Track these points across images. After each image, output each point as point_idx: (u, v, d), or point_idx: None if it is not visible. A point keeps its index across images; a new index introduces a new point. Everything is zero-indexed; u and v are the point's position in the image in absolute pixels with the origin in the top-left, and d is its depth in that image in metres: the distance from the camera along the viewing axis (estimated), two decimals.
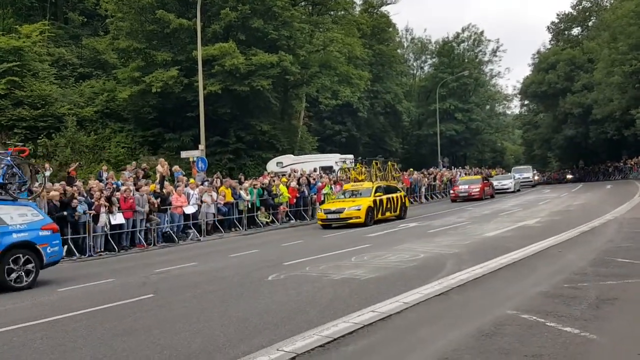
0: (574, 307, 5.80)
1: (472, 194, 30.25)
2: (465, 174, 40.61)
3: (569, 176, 56.06)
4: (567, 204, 22.59)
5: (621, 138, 46.32)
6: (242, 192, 19.44)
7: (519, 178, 40.14)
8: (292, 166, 27.61)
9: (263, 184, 20.76)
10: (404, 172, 34.06)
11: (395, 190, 21.27)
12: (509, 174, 43.37)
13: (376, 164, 25.37)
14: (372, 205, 18.67)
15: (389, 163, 27.74)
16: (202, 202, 17.68)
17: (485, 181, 33.01)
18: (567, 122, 56.25)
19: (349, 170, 30.28)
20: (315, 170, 26.99)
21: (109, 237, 14.71)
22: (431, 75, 61.82)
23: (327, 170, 29.07)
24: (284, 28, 31.21)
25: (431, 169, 39.80)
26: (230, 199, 18.81)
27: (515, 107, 78.17)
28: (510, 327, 5.16)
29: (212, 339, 5.33)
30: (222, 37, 30.70)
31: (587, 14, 62.53)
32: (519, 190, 36.90)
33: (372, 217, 18.49)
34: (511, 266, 8.77)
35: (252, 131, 32.31)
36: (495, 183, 35.61)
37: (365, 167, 24.73)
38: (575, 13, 63.43)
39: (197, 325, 5.93)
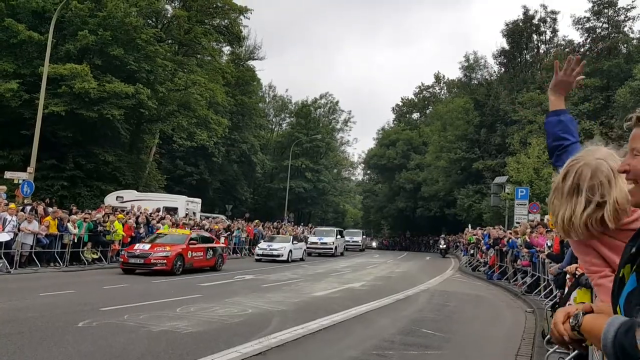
0: None
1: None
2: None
3: (374, 244, 62.44)
4: (391, 270, 24.49)
5: (442, 216, 52.19)
6: (70, 225, 17.86)
7: (348, 240, 42.45)
8: (134, 203, 26.18)
9: (95, 218, 19.32)
10: (250, 223, 34.23)
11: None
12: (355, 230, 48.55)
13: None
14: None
15: None
16: (19, 230, 15.85)
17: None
18: (400, 195, 62.21)
19: (195, 215, 29.68)
20: (158, 210, 25.91)
21: None
22: (288, 133, 64.27)
23: (172, 211, 28.09)
24: (145, 61, 30.38)
25: (276, 223, 40.54)
26: (54, 230, 17.14)
27: (358, 174, 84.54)
28: None
29: None
30: (75, 58, 28.89)
31: (426, 102, 71.27)
32: (342, 254, 37.38)
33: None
34: (331, 328, 9.17)
35: (94, 160, 30.28)
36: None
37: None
38: (416, 100, 71.91)
39: None
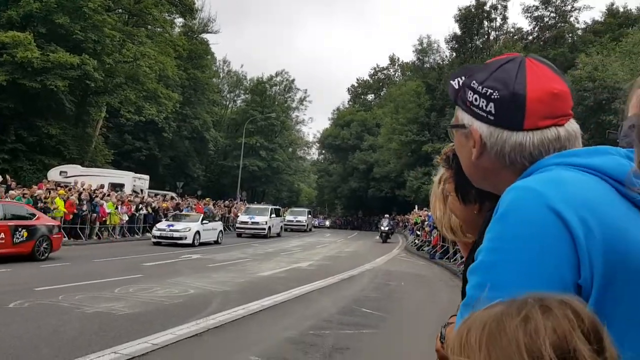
0: (310, 355, 6.37)
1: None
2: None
3: (327, 223, 62.36)
4: (340, 250, 24.89)
5: (393, 196, 53.24)
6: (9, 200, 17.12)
7: (292, 220, 40.67)
8: (78, 178, 25.33)
9: (36, 194, 18.62)
10: (200, 201, 33.86)
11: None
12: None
13: None
14: None
15: None
16: None
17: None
18: (353, 175, 62.96)
19: (142, 192, 29.06)
20: (102, 186, 25.19)
21: None
22: (242, 110, 63.44)
23: (118, 187, 27.38)
24: (92, 31, 29.11)
25: (227, 201, 40.28)
26: None
27: (313, 154, 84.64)
28: None
29: None
30: (18, 25, 27.40)
31: (380, 84, 71.85)
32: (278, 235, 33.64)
33: None
34: (272, 308, 9.28)
35: (36, 132, 29.03)
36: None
37: None
38: (371, 81, 72.34)
39: None
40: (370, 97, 74.60)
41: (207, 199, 36.27)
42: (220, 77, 66.07)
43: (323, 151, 75.26)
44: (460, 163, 1.14)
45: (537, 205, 0.85)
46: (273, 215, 32.97)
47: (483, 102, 1.00)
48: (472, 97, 1.02)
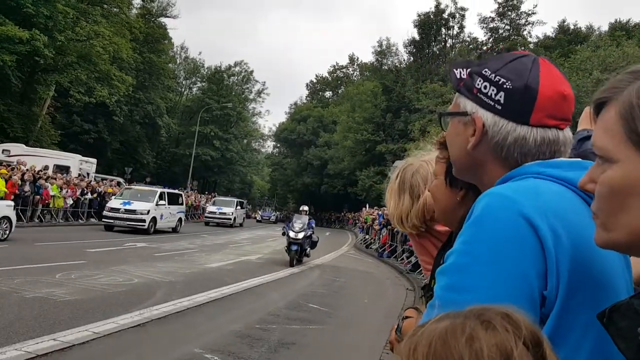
0: (255, 350, 6.38)
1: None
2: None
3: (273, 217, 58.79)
4: None
5: (345, 193, 53.85)
6: None
7: (214, 212, 34.59)
8: (21, 158, 24.21)
9: None
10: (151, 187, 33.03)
11: None
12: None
13: None
14: None
15: None
16: None
17: None
18: (307, 170, 63.18)
19: (88, 175, 28.10)
20: (46, 167, 24.21)
21: None
22: (198, 98, 62.36)
23: (64, 170, 26.37)
24: (44, 6, 27.87)
25: (177, 190, 39.47)
26: None
27: (268, 147, 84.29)
28: None
29: None
30: None
31: (339, 82, 72.43)
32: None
33: None
34: (219, 301, 9.22)
35: None
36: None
37: None
38: (330, 79, 72.79)
39: None
40: (328, 94, 75.12)
41: (157, 186, 35.43)
42: (177, 63, 64.63)
43: (278, 145, 75.16)
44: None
45: (510, 212, 0.87)
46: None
47: (493, 90, 1.00)
48: (482, 84, 1.02)
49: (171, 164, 59.84)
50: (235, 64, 66.42)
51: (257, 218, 54.87)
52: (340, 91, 71.26)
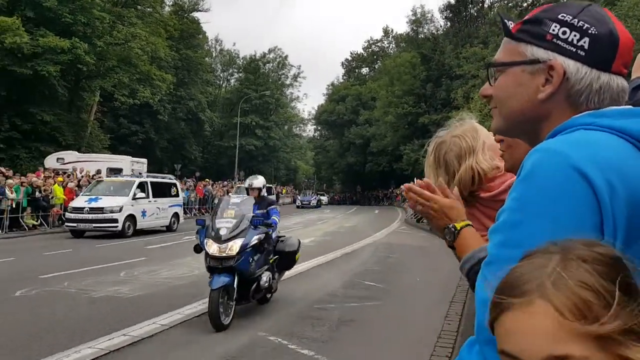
0: (317, 329, 6.48)
1: None
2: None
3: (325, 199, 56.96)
4: (340, 225, 25.02)
5: (391, 170, 53.30)
6: (7, 190, 17.13)
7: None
8: (76, 164, 25.27)
9: (33, 182, 18.59)
10: (200, 183, 33.85)
11: None
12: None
13: None
14: None
15: None
16: None
17: None
18: (350, 150, 62.90)
19: (141, 175, 28.99)
20: (99, 171, 25.15)
21: None
22: (236, 89, 63.00)
23: (116, 172, 27.32)
24: (81, 13, 28.71)
25: (226, 182, 40.28)
26: None
27: (309, 130, 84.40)
28: (257, 350, 5.56)
29: None
30: (5, 10, 26.98)
31: (375, 57, 71.14)
32: None
33: None
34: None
35: (31, 120, 28.87)
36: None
37: None
38: (365, 55, 71.67)
39: None
40: (364, 70, 74.10)
41: (206, 180, 36.26)
42: (213, 57, 65.46)
43: (319, 127, 75.11)
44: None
45: (562, 166, 0.84)
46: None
47: (575, 36, 0.95)
48: (559, 30, 0.96)
49: (217, 156, 60.99)
50: (270, 51, 66.74)
51: (297, 204, 49.16)
52: (376, 66, 70.18)
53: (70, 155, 27.64)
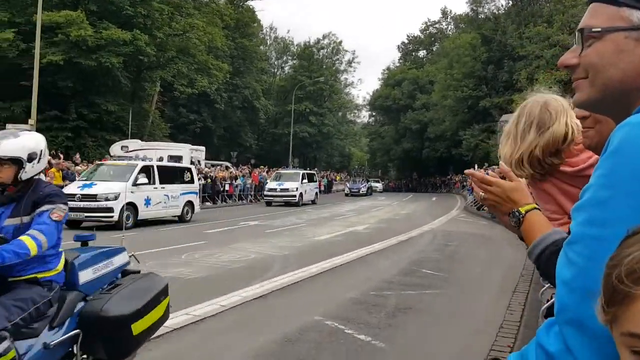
0: (374, 315, 6.42)
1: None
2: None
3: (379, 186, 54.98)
4: (396, 213, 24.76)
5: (449, 156, 52.06)
6: (77, 176, 18.03)
7: (274, 189, 28.55)
8: (139, 152, 26.24)
9: None
10: (255, 169, 34.43)
11: None
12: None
13: None
14: None
15: None
16: None
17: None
18: (406, 136, 61.86)
19: (199, 163, 29.83)
20: (161, 158, 25.99)
21: None
22: (290, 77, 63.32)
23: (177, 160, 28.19)
24: (141, 6, 29.65)
25: (281, 168, 40.74)
26: (59, 181, 17.31)
27: (364, 116, 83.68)
28: (313, 334, 5.56)
29: None
30: (70, 4, 28.22)
31: (432, 39, 69.34)
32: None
33: None
34: (332, 271, 9.39)
35: (96, 110, 30.21)
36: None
37: None
38: (422, 37, 69.95)
39: None
40: (421, 53, 72.38)
41: (261, 167, 36.85)
42: (267, 45, 66.03)
43: (374, 113, 74.38)
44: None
45: None
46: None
47: None
48: None
49: (272, 144, 61.78)
50: (324, 37, 66.51)
51: (345, 191, 45.34)
52: (434, 48, 68.44)
53: (134, 143, 28.72)
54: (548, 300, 5.20)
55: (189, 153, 30.02)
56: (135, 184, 15.17)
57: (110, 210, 14.33)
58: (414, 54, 72.29)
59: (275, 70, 69.16)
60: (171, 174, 17.45)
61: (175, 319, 5.74)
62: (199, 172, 26.35)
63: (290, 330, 5.61)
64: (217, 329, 5.65)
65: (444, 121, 49.92)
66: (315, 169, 52.60)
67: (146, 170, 15.99)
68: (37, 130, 20.93)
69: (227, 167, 33.53)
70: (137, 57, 30.35)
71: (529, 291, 7.87)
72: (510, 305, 6.97)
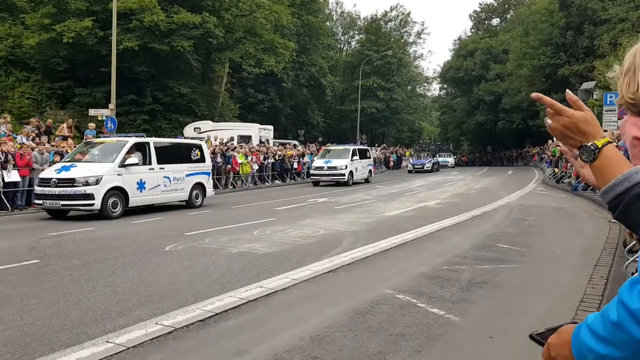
0: (446, 289, 6.28)
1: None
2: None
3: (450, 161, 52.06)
4: (469, 187, 24.03)
5: (526, 128, 49.67)
6: None
7: (321, 167, 25.71)
8: (210, 133, 27.12)
9: None
10: (323, 147, 34.51)
11: None
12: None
13: None
14: None
15: None
16: None
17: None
18: (479, 109, 59.55)
19: (268, 142, 30.37)
20: (232, 138, 26.68)
21: (2, 195, 13.87)
22: (357, 52, 62.47)
23: (246, 139, 28.86)
24: None
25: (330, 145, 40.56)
26: None
27: (434, 89, 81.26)
28: (384, 307, 5.52)
29: (92, 310, 5.27)
30: None
31: (507, 6, 65.85)
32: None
33: None
34: (402, 246, 9.27)
35: (170, 93, 31.33)
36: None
37: None
38: (496, 4, 66.59)
39: (79, 295, 5.82)
40: (495, 21, 69.04)
41: (329, 144, 36.87)
42: (334, 20, 65.34)
43: (445, 86, 72.13)
44: None
45: None
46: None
47: None
48: None
49: (339, 121, 61.58)
50: (391, 9, 64.85)
51: (409, 168, 41.62)
52: (509, 16, 65.01)
53: (205, 124, 29.69)
54: (633, 274, 4.84)
55: (258, 132, 30.62)
56: (122, 165, 12.81)
57: (90, 197, 12.03)
58: (486, 22, 69.01)
59: (342, 46, 68.49)
60: (174, 153, 14.80)
61: (250, 291, 5.90)
62: (267, 150, 26.69)
63: (360, 303, 5.60)
64: (289, 302, 5.75)
65: (519, 91, 47.53)
66: (384, 144, 51.99)
67: (140, 148, 13.51)
68: (117, 114, 22.13)
69: (294, 146, 33.90)
70: (206, 40, 31.07)
71: (612, 264, 7.42)
72: (592, 279, 6.60)
